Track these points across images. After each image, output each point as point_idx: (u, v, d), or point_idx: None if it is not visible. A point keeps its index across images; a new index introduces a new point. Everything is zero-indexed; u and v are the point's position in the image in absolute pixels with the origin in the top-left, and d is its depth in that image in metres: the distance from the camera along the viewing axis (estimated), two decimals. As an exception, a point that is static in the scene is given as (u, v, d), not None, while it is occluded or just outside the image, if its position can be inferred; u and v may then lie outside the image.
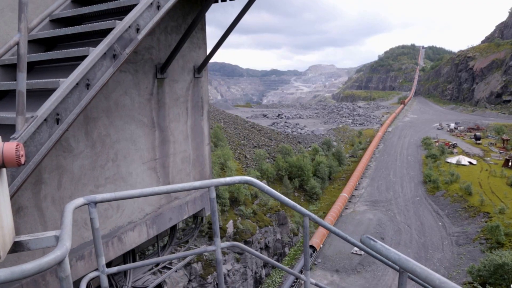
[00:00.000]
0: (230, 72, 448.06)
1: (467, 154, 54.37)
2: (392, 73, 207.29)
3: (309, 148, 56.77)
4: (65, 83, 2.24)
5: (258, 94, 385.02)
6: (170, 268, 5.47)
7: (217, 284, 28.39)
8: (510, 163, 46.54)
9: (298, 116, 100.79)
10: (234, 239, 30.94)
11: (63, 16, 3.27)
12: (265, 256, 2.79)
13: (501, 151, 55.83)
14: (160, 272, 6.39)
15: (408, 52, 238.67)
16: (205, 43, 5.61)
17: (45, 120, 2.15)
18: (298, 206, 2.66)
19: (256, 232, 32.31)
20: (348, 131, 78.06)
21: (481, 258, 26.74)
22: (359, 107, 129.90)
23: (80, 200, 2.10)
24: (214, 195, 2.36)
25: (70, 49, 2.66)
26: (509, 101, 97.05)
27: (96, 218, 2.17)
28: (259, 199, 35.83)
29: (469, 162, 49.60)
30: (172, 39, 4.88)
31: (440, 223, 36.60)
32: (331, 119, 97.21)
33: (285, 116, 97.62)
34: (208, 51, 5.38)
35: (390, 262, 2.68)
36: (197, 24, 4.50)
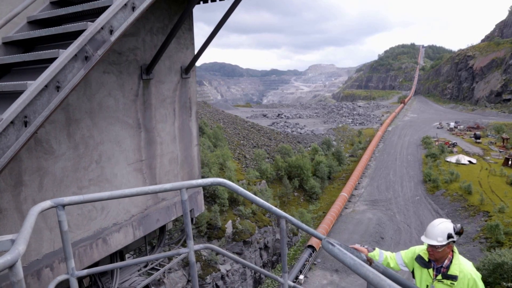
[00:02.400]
0: (230, 72, 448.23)
1: (467, 153, 54.29)
2: (392, 72, 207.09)
3: (309, 148, 56.74)
4: (33, 86, 2.22)
5: (258, 94, 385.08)
6: (159, 270, 5.46)
7: (216, 284, 28.32)
8: (510, 162, 46.45)
9: (298, 115, 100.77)
10: (233, 239, 30.92)
11: (41, 17, 3.27)
12: (239, 258, 2.77)
13: (501, 150, 55.74)
14: (153, 272, 6.38)
15: (408, 51, 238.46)
16: (192, 44, 5.60)
17: (11, 122, 2.13)
18: (274, 208, 2.65)
19: (256, 232, 32.30)
20: (348, 131, 78.01)
21: (480, 257, 26.67)
22: (359, 106, 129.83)
23: (47, 203, 2.08)
24: (186, 197, 2.35)
25: (41, 51, 2.65)
26: (509, 100, 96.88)
27: (65, 221, 2.15)
28: (258, 199, 35.79)
29: (469, 161, 49.52)
30: (158, 40, 4.86)
31: (440, 223, 36.52)
32: (330, 118, 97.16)
33: (285, 116, 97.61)
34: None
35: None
36: (181, 25, 4.48)
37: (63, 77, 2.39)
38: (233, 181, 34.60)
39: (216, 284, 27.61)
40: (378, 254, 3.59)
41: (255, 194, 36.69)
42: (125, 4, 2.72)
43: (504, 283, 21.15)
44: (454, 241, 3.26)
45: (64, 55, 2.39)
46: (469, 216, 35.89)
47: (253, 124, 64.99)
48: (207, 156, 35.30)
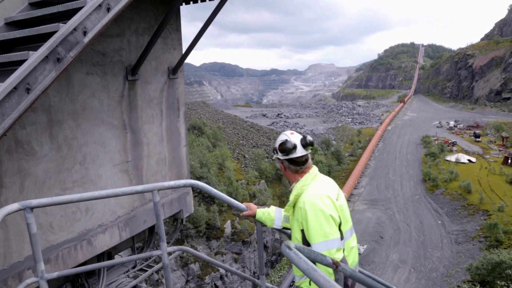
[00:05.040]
0: (230, 72, 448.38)
1: (467, 152, 54.22)
2: (392, 71, 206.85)
3: (308, 148, 56.58)
4: (0, 88, 2.22)
5: (258, 94, 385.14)
6: (147, 271, 5.46)
7: (215, 284, 28.29)
8: (509, 161, 46.40)
9: (298, 115, 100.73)
10: (232, 239, 30.91)
11: (18, 19, 3.26)
12: (215, 260, 2.76)
13: (500, 149, 55.68)
14: (141, 273, 6.36)
15: (407, 50, 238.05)
16: (180, 44, 5.58)
17: (-23, 125, 2.14)
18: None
19: (255, 232, 32.30)
20: (347, 130, 77.97)
21: (480, 256, 26.65)
22: (359, 105, 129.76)
23: (14, 206, 2.07)
24: (157, 199, 2.34)
25: (12, 53, 2.64)
26: (508, 98, 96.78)
27: (33, 224, 2.14)
28: (258, 198, 35.79)
29: (469, 160, 49.46)
30: (144, 41, 4.84)
31: (440, 222, 36.51)
32: (330, 118, 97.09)
33: (284, 115, 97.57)
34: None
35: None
36: (167, 25, 4.47)
37: (34, 79, 2.38)
38: (232, 181, 34.60)
39: (215, 284, 27.59)
40: (274, 211, 2.77)
41: (254, 194, 36.69)
42: (100, 5, 2.71)
43: (499, 282, 21.12)
44: (280, 158, 2.48)
45: (34, 57, 2.39)
46: (468, 215, 35.86)
47: (252, 124, 64.96)
48: (205, 156, 35.25)
